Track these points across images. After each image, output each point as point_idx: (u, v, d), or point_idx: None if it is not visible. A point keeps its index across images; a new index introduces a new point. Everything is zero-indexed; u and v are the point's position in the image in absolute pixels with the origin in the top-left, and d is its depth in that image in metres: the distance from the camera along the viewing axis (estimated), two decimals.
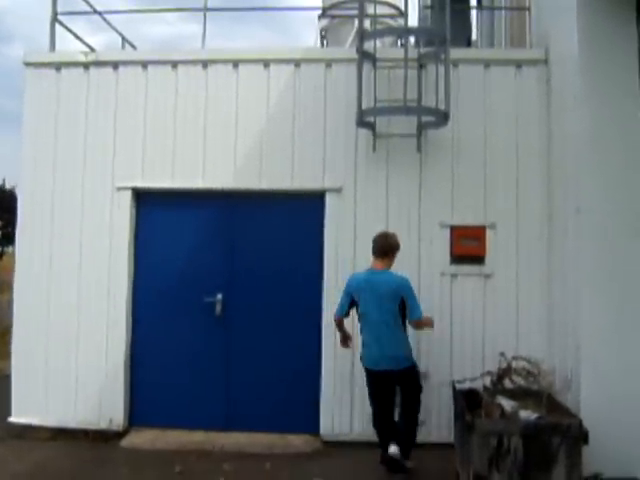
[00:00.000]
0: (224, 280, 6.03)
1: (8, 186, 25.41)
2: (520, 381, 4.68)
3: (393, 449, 4.91)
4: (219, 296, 5.99)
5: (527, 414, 4.25)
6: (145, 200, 6.13)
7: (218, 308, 5.99)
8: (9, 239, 22.39)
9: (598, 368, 4.66)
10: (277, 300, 5.98)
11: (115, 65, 6.18)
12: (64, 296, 5.97)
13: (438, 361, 5.68)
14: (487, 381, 4.78)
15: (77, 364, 5.93)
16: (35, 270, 6.03)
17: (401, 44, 7.17)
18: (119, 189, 6.03)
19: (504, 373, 4.72)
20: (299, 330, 5.93)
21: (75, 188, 6.06)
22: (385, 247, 5.08)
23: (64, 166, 6.09)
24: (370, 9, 6.51)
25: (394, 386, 5.04)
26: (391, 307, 4.91)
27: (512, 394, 4.56)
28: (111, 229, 6.02)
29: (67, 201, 6.05)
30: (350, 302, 5.15)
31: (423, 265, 5.76)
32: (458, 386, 4.90)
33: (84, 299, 5.97)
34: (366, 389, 5.17)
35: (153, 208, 6.12)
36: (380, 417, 5.10)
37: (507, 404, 4.37)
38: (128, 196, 6.04)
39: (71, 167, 6.09)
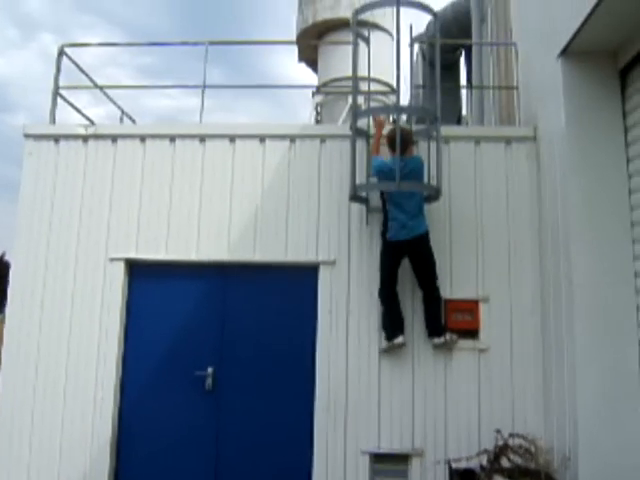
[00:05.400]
0: (215, 353, 5.94)
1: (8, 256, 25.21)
2: (517, 459, 4.58)
3: (401, 339, 5.56)
4: (210, 370, 5.89)
5: None
6: (138, 271, 6.13)
7: (209, 382, 5.88)
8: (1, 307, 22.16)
9: (596, 445, 4.54)
10: (269, 373, 5.88)
11: (114, 138, 6.30)
12: (52, 369, 5.86)
13: (433, 439, 5.53)
14: (484, 460, 4.68)
15: (62, 440, 5.75)
16: (23, 343, 5.92)
17: (393, 121, 7.36)
18: (112, 260, 6.03)
19: (501, 451, 4.64)
20: (291, 405, 5.80)
21: (68, 257, 6.06)
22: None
23: (58, 236, 6.11)
24: (363, 86, 6.72)
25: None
26: None
27: (510, 473, 4.45)
28: (103, 299, 5.97)
29: (60, 271, 6.04)
30: None
31: (416, 338, 5.71)
32: (454, 465, 4.79)
33: (72, 372, 5.85)
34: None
35: (146, 279, 6.11)
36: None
37: None
38: (121, 267, 6.03)
39: (65, 237, 6.10)
